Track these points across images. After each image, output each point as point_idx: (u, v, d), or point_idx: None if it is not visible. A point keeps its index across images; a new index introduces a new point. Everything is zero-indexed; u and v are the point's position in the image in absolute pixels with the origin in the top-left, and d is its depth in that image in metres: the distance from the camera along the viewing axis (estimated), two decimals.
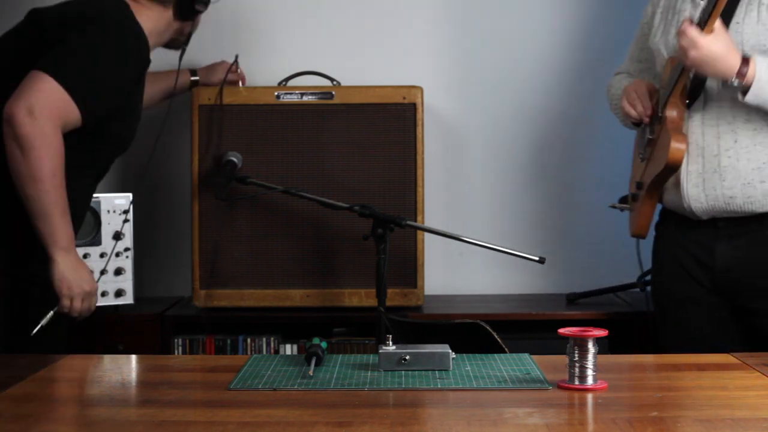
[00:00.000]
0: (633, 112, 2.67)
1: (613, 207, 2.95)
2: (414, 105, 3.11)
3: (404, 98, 3.11)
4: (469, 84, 3.53)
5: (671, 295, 2.68)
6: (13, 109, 2.33)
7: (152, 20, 2.69)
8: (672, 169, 2.52)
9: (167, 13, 2.73)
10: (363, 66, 3.46)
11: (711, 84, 2.52)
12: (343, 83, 3.24)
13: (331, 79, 3.25)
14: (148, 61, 2.66)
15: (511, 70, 3.54)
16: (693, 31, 2.39)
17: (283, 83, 3.24)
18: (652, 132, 2.66)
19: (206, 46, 3.47)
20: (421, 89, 3.13)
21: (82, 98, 2.42)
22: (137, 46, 2.59)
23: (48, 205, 2.37)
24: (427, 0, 3.52)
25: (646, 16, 2.81)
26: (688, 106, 2.55)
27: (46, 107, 2.34)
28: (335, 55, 3.47)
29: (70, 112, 2.40)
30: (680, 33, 2.43)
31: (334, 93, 3.12)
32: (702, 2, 2.53)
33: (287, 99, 3.12)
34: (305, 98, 3.12)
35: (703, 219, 2.57)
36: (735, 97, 2.48)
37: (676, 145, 2.48)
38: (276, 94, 3.12)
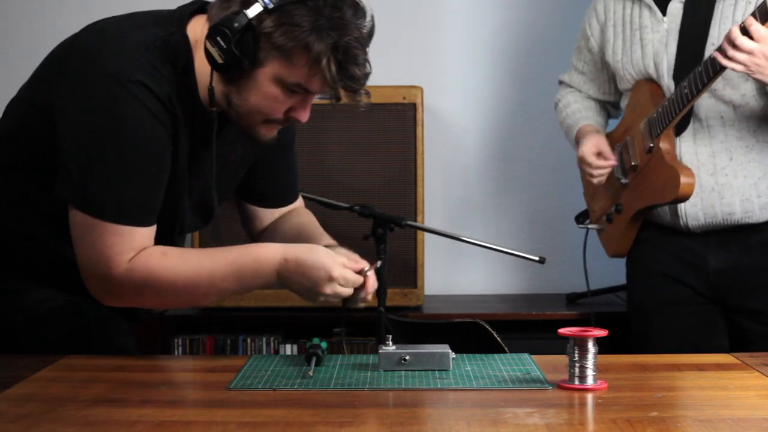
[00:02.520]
0: (602, 177, 2.69)
1: (584, 227, 2.94)
2: (414, 105, 3.12)
3: (404, 98, 3.12)
4: (469, 84, 3.54)
5: (659, 298, 2.67)
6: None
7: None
8: (681, 201, 2.52)
9: None
10: None
11: (696, 105, 2.51)
12: None
13: None
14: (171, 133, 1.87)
15: (511, 70, 3.54)
16: (763, 29, 2.21)
17: None
18: (635, 158, 2.65)
19: None
20: (421, 89, 3.14)
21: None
22: (143, 125, 1.82)
23: (210, 292, 1.88)
24: (427, 0, 3.52)
25: (591, 28, 2.75)
26: (677, 134, 2.54)
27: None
28: None
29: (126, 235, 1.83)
30: (736, 37, 2.23)
31: None
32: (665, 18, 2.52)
33: None
34: None
35: (695, 232, 2.57)
36: (723, 116, 2.48)
37: (686, 180, 2.48)
38: None
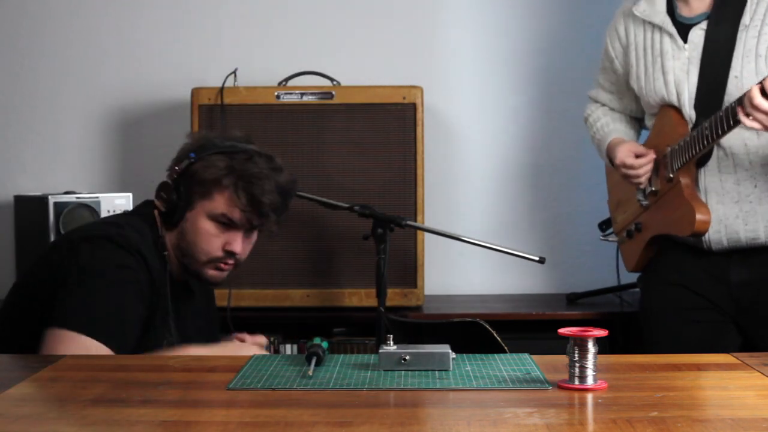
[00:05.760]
0: (647, 174, 2.63)
1: (605, 239, 2.93)
2: (414, 105, 3.12)
3: (404, 98, 3.12)
4: (469, 84, 3.54)
5: (673, 306, 2.66)
6: None
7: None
8: (698, 237, 2.52)
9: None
10: (363, 66, 3.46)
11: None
12: (343, 83, 3.24)
13: (331, 79, 3.25)
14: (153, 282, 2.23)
15: (511, 70, 3.54)
16: None
17: (283, 83, 3.24)
18: (655, 184, 2.64)
19: (206, 46, 3.47)
20: (421, 89, 3.14)
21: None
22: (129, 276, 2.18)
23: None
24: (427, 0, 3.52)
25: (614, 50, 2.73)
26: (700, 165, 2.52)
27: None
28: (335, 55, 3.47)
29: None
30: (754, 97, 2.23)
31: (334, 93, 3.13)
32: (687, 46, 2.51)
33: (287, 99, 3.12)
34: (305, 98, 3.12)
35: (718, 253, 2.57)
36: (747, 143, 2.47)
37: (701, 217, 2.48)
38: (276, 94, 3.12)
